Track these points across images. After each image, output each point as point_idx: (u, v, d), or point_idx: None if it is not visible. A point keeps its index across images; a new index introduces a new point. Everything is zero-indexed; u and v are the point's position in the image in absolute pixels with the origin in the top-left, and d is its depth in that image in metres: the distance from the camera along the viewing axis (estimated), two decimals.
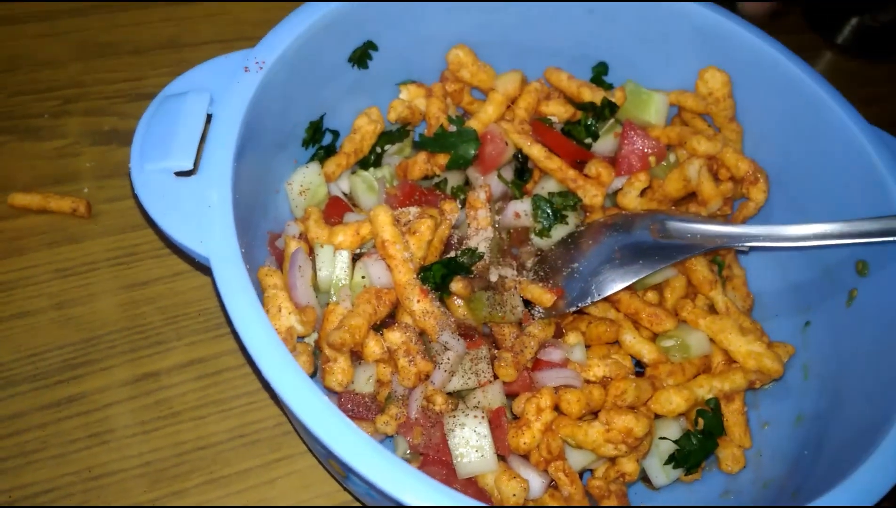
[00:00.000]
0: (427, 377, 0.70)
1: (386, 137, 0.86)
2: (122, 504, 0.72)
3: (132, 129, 0.67)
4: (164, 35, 1.06)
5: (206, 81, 0.70)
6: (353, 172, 0.85)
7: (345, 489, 0.75)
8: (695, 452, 0.73)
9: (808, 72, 0.79)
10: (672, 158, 0.86)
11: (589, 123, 0.86)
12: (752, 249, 0.85)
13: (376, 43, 0.82)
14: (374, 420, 0.70)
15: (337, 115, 0.84)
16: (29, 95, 0.97)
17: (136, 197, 0.64)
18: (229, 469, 0.75)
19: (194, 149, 0.65)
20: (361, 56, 0.82)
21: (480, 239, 0.80)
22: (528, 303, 0.78)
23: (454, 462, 0.66)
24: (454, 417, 0.68)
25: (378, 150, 0.86)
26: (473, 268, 0.77)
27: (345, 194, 0.84)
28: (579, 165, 0.85)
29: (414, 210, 0.77)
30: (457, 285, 0.75)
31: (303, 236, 0.76)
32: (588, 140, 0.86)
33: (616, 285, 0.76)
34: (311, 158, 0.84)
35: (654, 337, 0.78)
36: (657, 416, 0.74)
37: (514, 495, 0.65)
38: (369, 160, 0.86)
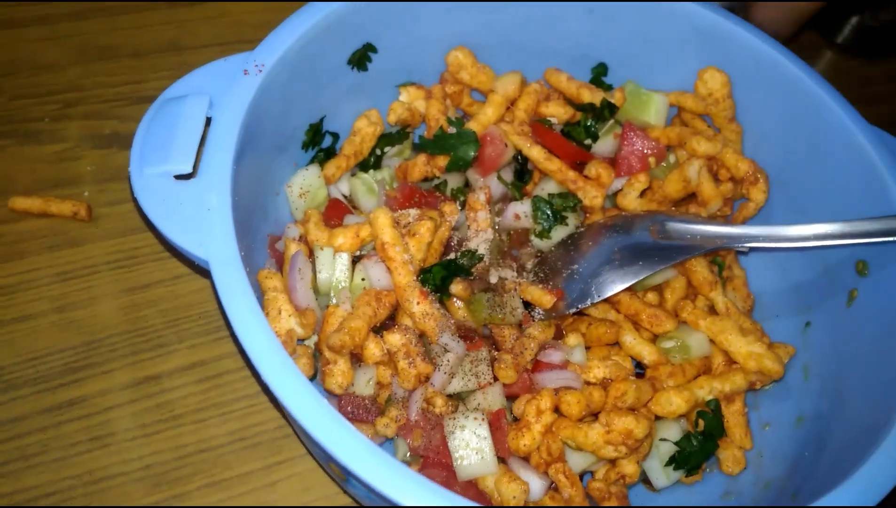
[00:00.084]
0: (427, 379, 0.70)
1: (386, 139, 0.86)
2: (122, 507, 0.72)
3: (132, 132, 0.67)
4: (165, 38, 1.06)
5: (206, 85, 0.70)
6: (353, 175, 0.85)
7: (345, 492, 0.75)
8: (695, 453, 0.72)
9: (807, 72, 0.79)
10: (672, 158, 0.86)
11: (588, 124, 0.86)
12: (752, 249, 0.84)
13: (376, 45, 0.82)
14: (374, 423, 0.70)
15: (337, 117, 0.84)
16: (29, 98, 0.97)
17: (135, 200, 0.64)
18: (230, 473, 0.75)
19: (193, 152, 0.65)
20: (361, 58, 0.82)
21: (480, 241, 0.80)
22: (528, 305, 0.78)
23: (454, 464, 0.66)
24: (454, 419, 0.68)
25: (378, 152, 0.87)
26: (473, 270, 0.77)
27: (345, 197, 0.84)
28: (579, 166, 0.85)
29: (414, 212, 0.77)
30: (457, 286, 0.75)
31: (303, 239, 0.76)
32: (588, 141, 0.86)
33: (616, 286, 0.76)
34: (311, 161, 0.84)
35: (655, 338, 0.78)
36: (657, 417, 0.74)
37: (515, 497, 0.65)
38: (369, 162, 0.86)
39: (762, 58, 0.81)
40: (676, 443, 0.73)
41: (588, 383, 0.74)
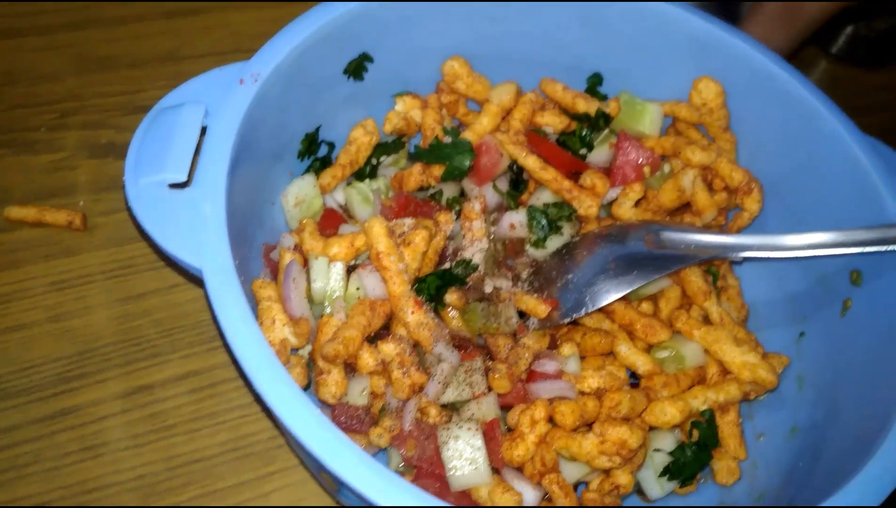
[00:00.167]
0: (421, 388, 0.70)
1: (381, 148, 0.87)
2: None
3: (129, 142, 0.67)
4: (163, 48, 1.06)
5: (202, 94, 0.70)
6: (349, 184, 0.85)
7: (337, 502, 0.74)
8: (689, 464, 0.72)
9: (802, 81, 0.79)
10: (666, 168, 0.86)
11: (584, 133, 0.86)
12: (747, 259, 0.84)
13: (372, 55, 0.82)
14: (367, 433, 0.70)
15: (332, 126, 0.84)
16: (26, 108, 0.97)
17: (129, 209, 0.64)
18: (223, 483, 0.75)
19: (188, 161, 0.65)
20: (357, 68, 0.82)
21: (475, 250, 0.80)
22: (522, 314, 0.78)
23: (448, 474, 0.66)
24: (448, 429, 0.67)
25: (373, 161, 0.87)
26: (468, 279, 0.77)
27: (340, 206, 0.84)
28: (574, 175, 0.85)
29: (409, 221, 0.77)
30: (451, 296, 0.75)
31: (298, 248, 0.76)
32: (583, 151, 0.86)
33: (610, 295, 0.76)
34: (307, 170, 0.84)
35: (649, 348, 0.78)
36: (652, 428, 0.73)
37: None
38: (365, 172, 0.86)
39: (756, 67, 0.81)
40: (671, 453, 0.73)
41: (582, 393, 0.73)
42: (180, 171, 0.65)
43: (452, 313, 0.75)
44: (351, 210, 0.83)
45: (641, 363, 0.75)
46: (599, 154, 0.86)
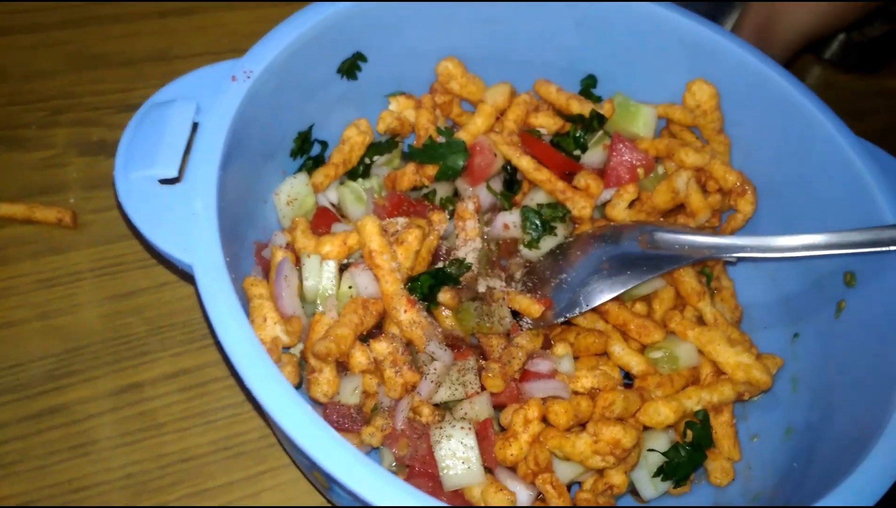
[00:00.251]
0: (414, 388, 0.69)
1: (375, 148, 0.86)
2: None
3: (120, 139, 0.67)
4: (156, 47, 1.06)
5: (193, 90, 0.69)
6: (342, 183, 0.84)
7: (329, 501, 0.74)
8: (683, 464, 0.72)
9: (795, 84, 0.80)
10: (660, 170, 0.86)
11: (578, 135, 0.86)
12: (740, 260, 0.85)
13: (366, 54, 0.82)
14: (359, 432, 0.69)
15: (325, 125, 0.84)
16: (18, 105, 0.97)
17: (119, 204, 0.64)
18: (213, 482, 0.74)
19: (179, 156, 0.65)
20: (351, 67, 0.82)
21: (469, 250, 0.79)
22: (516, 314, 0.78)
23: (440, 473, 0.66)
24: (441, 428, 0.67)
25: (367, 161, 0.86)
26: (461, 279, 0.77)
27: (333, 205, 0.84)
28: (568, 176, 0.85)
29: (402, 221, 0.77)
30: (444, 295, 0.74)
31: (290, 247, 0.76)
32: (577, 152, 0.86)
33: (604, 295, 0.76)
34: (300, 169, 0.83)
35: (643, 348, 0.78)
36: (646, 428, 0.73)
37: None
38: (358, 171, 0.86)
39: (750, 70, 0.81)
40: (664, 454, 0.72)
41: (576, 392, 0.73)
42: (171, 166, 0.64)
43: (445, 313, 0.75)
44: (344, 209, 0.83)
45: (635, 364, 0.75)
46: (593, 155, 0.86)
